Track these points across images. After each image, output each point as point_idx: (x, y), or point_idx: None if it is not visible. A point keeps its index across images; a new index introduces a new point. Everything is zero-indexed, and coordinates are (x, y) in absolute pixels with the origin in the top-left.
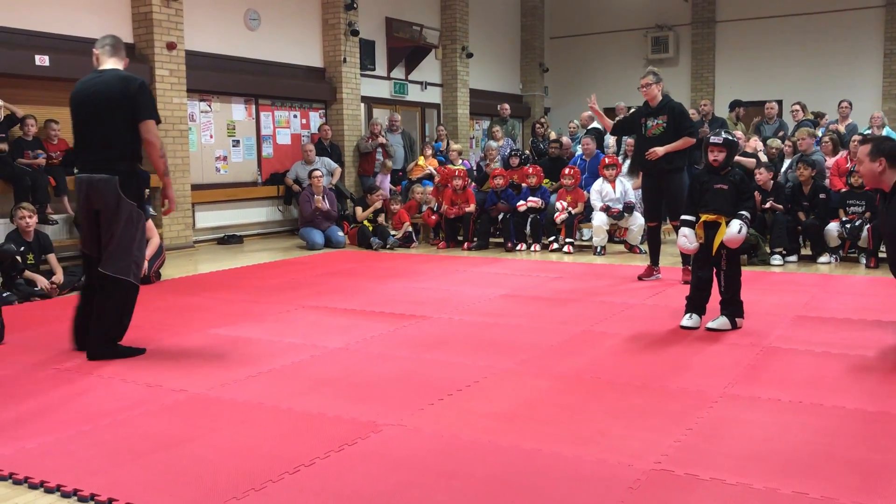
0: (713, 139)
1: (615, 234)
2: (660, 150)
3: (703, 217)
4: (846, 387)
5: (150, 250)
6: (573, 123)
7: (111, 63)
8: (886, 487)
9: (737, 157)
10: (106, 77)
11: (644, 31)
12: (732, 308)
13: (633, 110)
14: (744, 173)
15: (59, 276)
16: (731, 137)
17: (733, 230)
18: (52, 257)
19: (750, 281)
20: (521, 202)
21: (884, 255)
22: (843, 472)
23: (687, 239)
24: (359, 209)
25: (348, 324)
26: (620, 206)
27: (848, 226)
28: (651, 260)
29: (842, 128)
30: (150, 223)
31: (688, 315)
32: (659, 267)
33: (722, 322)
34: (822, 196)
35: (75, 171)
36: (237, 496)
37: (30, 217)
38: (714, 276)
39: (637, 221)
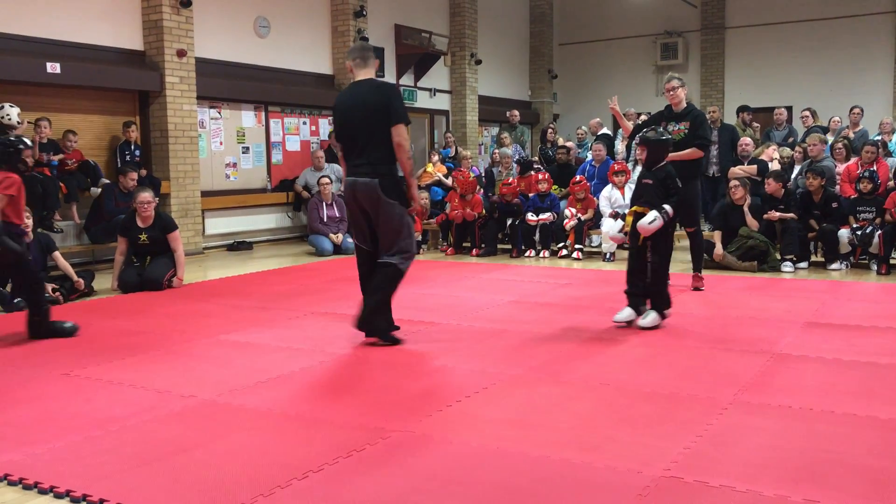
0: (637, 139)
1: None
2: (676, 156)
3: (635, 208)
4: (857, 394)
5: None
6: (581, 129)
7: (364, 73)
8: None
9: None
10: (363, 89)
11: (653, 37)
12: (659, 301)
13: (653, 114)
14: (671, 172)
15: (73, 276)
16: (652, 136)
17: (645, 219)
18: (57, 256)
19: (760, 288)
20: (531, 216)
21: (895, 261)
22: (855, 480)
23: (608, 227)
24: None
25: (356, 331)
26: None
27: (859, 232)
28: (695, 266)
29: (852, 134)
30: (176, 233)
31: (624, 310)
32: (669, 273)
33: (652, 318)
34: (834, 205)
35: (343, 175)
36: (246, 502)
37: (27, 219)
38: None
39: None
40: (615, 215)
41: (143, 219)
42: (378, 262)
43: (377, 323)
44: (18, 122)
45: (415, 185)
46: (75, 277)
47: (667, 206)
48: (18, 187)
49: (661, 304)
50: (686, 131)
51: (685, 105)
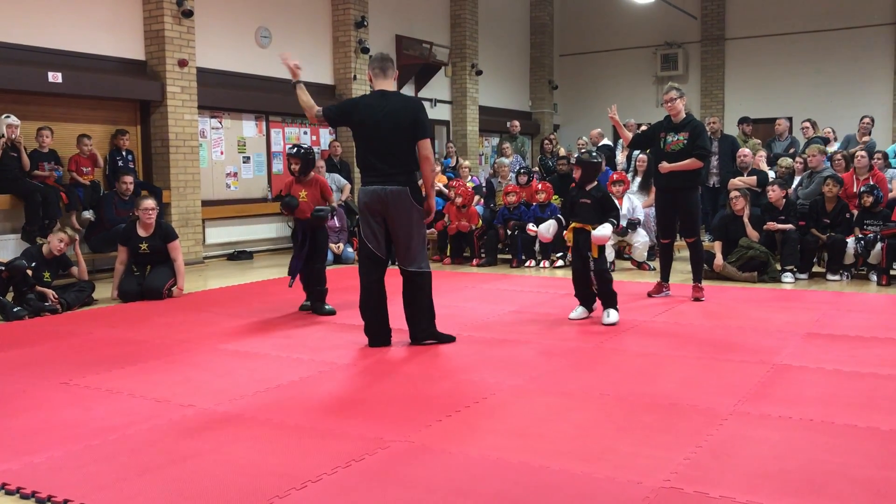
0: (573, 159)
1: (623, 251)
2: (667, 166)
3: (574, 225)
4: (858, 405)
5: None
6: (582, 140)
7: (384, 84)
8: None
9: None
10: (392, 102)
11: (653, 48)
12: (610, 300)
13: (652, 124)
14: (605, 191)
15: (83, 271)
16: (586, 157)
17: (602, 230)
18: (73, 270)
19: (760, 299)
20: (532, 227)
21: (895, 273)
22: (855, 491)
23: (545, 228)
24: None
25: (356, 340)
26: (625, 223)
27: (862, 241)
28: (661, 276)
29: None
30: (177, 243)
31: (577, 308)
32: (669, 283)
33: (615, 316)
34: (847, 215)
35: (363, 184)
36: None
37: (67, 243)
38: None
39: (641, 238)
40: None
41: (144, 227)
42: (411, 271)
43: (431, 329)
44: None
45: (433, 196)
46: (81, 272)
47: (612, 219)
48: None
49: (612, 302)
50: (685, 142)
51: (684, 116)
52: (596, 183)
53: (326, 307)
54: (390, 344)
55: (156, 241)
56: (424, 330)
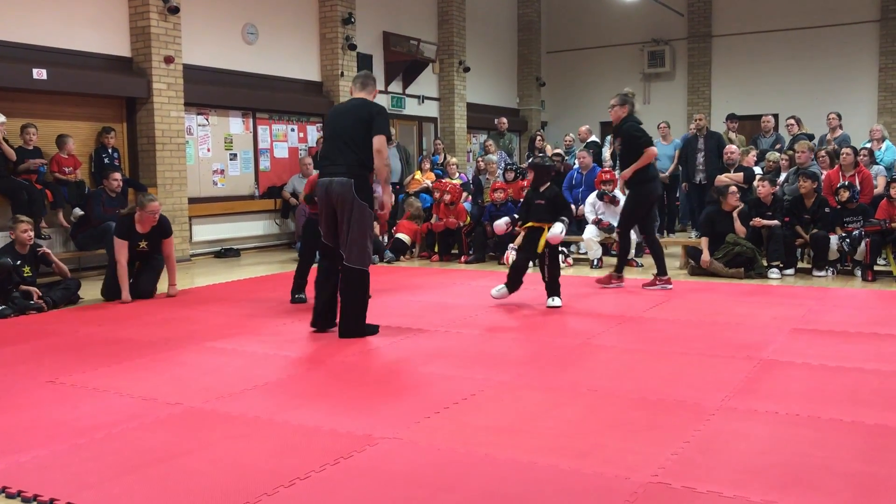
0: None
1: (611, 248)
2: (626, 173)
3: (529, 224)
4: (843, 400)
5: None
6: (569, 137)
7: (361, 94)
8: (884, 501)
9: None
10: (354, 102)
11: (640, 45)
12: (556, 289)
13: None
14: (558, 191)
15: (66, 271)
16: (538, 162)
17: (556, 230)
18: (54, 267)
19: (746, 294)
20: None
21: (879, 268)
22: (841, 486)
23: (503, 223)
24: None
25: (357, 335)
26: (611, 220)
27: (847, 239)
28: (617, 267)
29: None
30: (171, 238)
31: (500, 286)
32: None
33: (557, 301)
34: (826, 210)
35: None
36: None
37: (30, 230)
38: (539, 266)
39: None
40: (598, 222)
41: (142, 225)
42: (343, 265)
43: (353, 327)
44: None
45: (388, 190)
46: (63, 269)
47: (564, 218)
48: None
49: (558, 291)
50: (621, 146)
51: (622, 120)
52: (549, 184)
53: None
54: (326, 331)
55: (154, 239)
56: (347, 328)
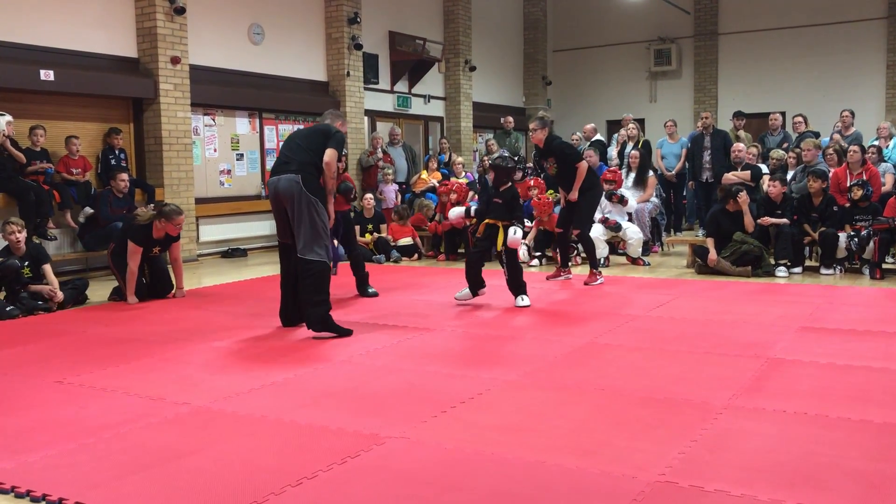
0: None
1: (617, 247)
2: (574, 196)
3: (487, 221)
4: (851, 398)
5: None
6: (576, 135)
7: (328, 121)
8: (892, 499)
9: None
10: (318, 123)
11: (647, 43)
12: (520, 288)
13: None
14: (515, 193)
15: (56, 289)
16: (499, 162)
17: (516, 235)
18: (47, 268)
19: (754, 293)
20: (526, 222)
21: (888, 266)
22: (849, 484)
23: (459, 214)
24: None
25: (351, 336)
26: (618, 219)
27: (856, 237)
28: (561, 262)
29: (841, 140)
30: (179, 242)
31: (464, 289)
32: (569, 269)
33: (526, 300)
34: (835, 208)
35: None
36: None
37: (19, 232)
38: (500, 262)
39: (636, 234)
40: (605, 220)
41: (159, 231)
42: (300, 259)
43: (313, 320)
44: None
45: (332, 201)
46: (56, 294)
47: (517, 223)
48: None
49: (523, 289)
50: (556, 165)
51: (547, 141)
52: (509, 185)
53: (370, 290)
54: (294, 326)
55: (165, 244)
56: (309, 319)
